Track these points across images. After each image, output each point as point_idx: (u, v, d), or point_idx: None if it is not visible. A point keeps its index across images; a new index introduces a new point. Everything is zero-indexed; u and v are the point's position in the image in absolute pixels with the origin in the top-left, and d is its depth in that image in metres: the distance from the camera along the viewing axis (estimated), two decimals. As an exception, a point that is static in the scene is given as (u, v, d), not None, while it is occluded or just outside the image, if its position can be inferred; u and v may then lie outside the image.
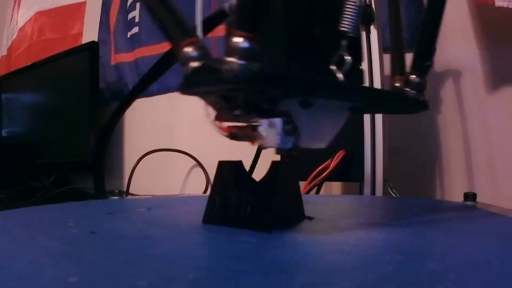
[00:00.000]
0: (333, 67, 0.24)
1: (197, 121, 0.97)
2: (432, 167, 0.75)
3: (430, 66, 0.29)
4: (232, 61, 0.19)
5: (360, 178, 0.61)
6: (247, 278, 0.17)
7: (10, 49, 1.89)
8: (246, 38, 0.19)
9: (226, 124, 0.28)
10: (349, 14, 0.24)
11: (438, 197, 0.74)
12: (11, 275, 0.17)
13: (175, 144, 1.10)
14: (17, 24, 1.83)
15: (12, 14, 1.91)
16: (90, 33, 1.48)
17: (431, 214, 0.37)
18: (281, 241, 0.24)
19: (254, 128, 0.25)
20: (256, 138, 0.25)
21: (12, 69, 1.65)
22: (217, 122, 0.27)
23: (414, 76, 0.29)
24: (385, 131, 0.62)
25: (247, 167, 0.36)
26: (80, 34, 1.52)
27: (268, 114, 0.24)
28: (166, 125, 1.19)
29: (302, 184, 0.64)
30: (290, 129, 0.24)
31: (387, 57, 0.74)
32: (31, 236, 0.26)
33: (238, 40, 0.19)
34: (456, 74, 0.73)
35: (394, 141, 0.67)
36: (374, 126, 0.61)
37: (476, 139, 0.71)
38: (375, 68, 0.61)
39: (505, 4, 0.59)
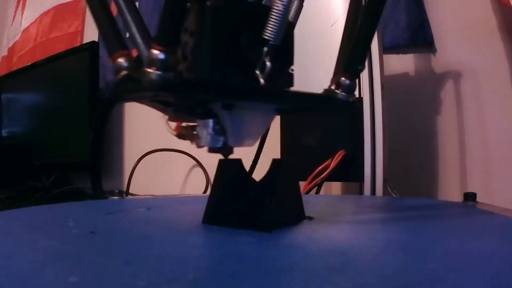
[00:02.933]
0: (257, 72, 0.26)
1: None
2: (432, 167, 0.75)
3: (361, 69, 0.30)
4: (150, 72, 0.22)
5: (360, 178, 0.61)
6: (247, 278, 0.17)
7: (11, 50, 1.89)
8: (163, 51, 0.22)
9: (175, 124, 0.31)
10: (271, 23, 0.25)
11: (438, 197, 0.74)
12: (11, 275, 0.17)
13: (175, 144, 1.10)
14: (21, 25, 1.83)
15: (15, 15, 1.91)
16: (90, 33, 1.48)
17: (431, 214, 0.37)
18: (281, 241, 0.24)
19: (194, 128, 0.28)
20: (195, 137, 0.28)
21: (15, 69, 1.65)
22: (169, 123, 0.31)
23: (344, 78, 0.29)
24: (385, 131, 0.62)
25: (247, 167, 0.36)
26: (78, 32, 1.52)
27: (206, 115, 0.27)
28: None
29: (302, 184, 0.64)
30: (220, 129, 0.27)
31: (387, 57, 0.74)
32: (31, 236, 0.26)
33: (156, 52, 0.22)
34: (455, 76, 0.74)
35: (394, 141, 0.67)
36: (374, 126, 0.61)
37: (476, 140, 0.71)
38: (375, 68, 0.61)
39: None
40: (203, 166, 1.07)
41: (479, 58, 0.71)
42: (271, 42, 0.25)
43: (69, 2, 1.57)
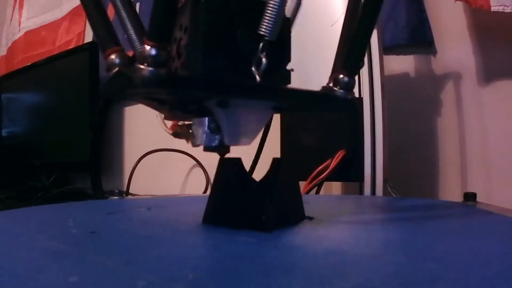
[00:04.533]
0: (253, 69, 0.26)
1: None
2: (432, 167, 0.75)
3: (361, 66, 0.30)
4: (141, 68, 0.21)
5: (360, 178, 0.61)
6: (247, 278, 0.17)
7: (11, 50, 1.89)
8: (154, 47, 0.21)
9: (171, 123, 0.30)
10: (267, 18, 0.25)
11: (438, 197, 0.74)
12: (11, 275, 0.17)
13: (175, 144, 1.10)
14: (19, 25, 1.82)
15: (12, 15, 1.91)
16: (90, 33, 1.48)
17: (431, 214, 0.37)
18: (281, 241, 0.24)
19: (189, 127, 0.28)
20: (190, 136, 0.27)
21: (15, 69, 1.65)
22: (165, 121, 0.30)
23: (342, 75, 0.29)
24: (385, 131, 0.62)
25: (247, 166, 0.36)
26: (81, 33, 1.52)
27: (201, 113, 0.26)
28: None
29: (302, 184, 0.64)
30: (215, 127, 0.26)
31: (387, 57, 0.74)
32: (31, 236, 0.26)
33: (147, 48, 0.21)
34: (455, 77, 0.74)
35: (394, 141, 0.67)
36: (374, 126, 0.61)
37: (476, 140, 0.71)
38: (375, 68, 0.61)
39: (500, 9, 0.59)
40: (203, 166, 1.07)
41: (479, 58, 0.71)
42: (267, 38, 0.25)
43: (80, 5, 1.57)
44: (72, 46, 1.50)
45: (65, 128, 1.29)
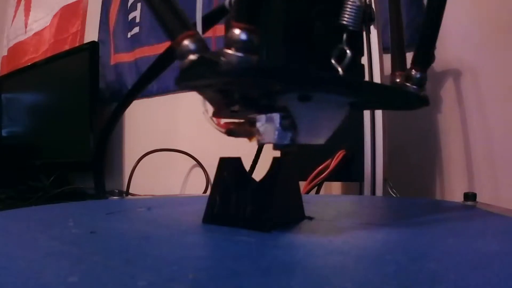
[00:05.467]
0: (333, 61, 0.24)
1: (197, 121, 0.97)
2: (432, 167, 0.75)
3: (432, 61, 0.29)
4: (230, 53, 0.19)
5: (360, 178, 0.61)
6: (247, 278, 0.17)
7: (13, 50, 1.89)
8: (244, 30, 0.19)
9: (224, 120, 0.28)
10: (350, 8, 0.24)
11: (438, 197, 0.74)
12: (11, 275, 0.17)
13: (175, 144, 1.10)
14: (26, 26, 1.83)
15: (15, 15, 1.91)
16: (90, 33, 1.48)
17: (431, 214, 0.37)
18: (281, 241, 0.24)
19: (252, 124, 0.25)
20: (254, 134, 0.25)
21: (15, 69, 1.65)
22: (215, 119, 0.27)
23: (414, 71, 0.28)
24: (385, 130, 0.62)
25: (247, 166, 0.36)
26: (78, 32, 1.52)
27: (266, 109, 0.24)
28: (166, 125, 1.19)
29: (302, 184, 0.64)
30: (288, 124, 0.24)
31: (387, 57, 0.74)
32: (31, 236, 0.26)
33: (236, 32, 0.19)
34: (456, 74, 0.73)
35: (394, 141, 0.67)
36: (374, 126, 0.61)
37: (476, 139, 0.71)
38: (375, 68, 0.61)
39: None
40: (203, 166, 1.07)
41: (479, 57, 0.71)
42: (350, 28, 0.23)
43: (73, 2, 1.58)
44: (67, 45, 1.51)
45: (65, 128, 1.29)
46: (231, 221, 0.28)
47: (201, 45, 0.22)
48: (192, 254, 0.22)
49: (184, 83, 0.22)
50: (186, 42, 0.21)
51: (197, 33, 0.22)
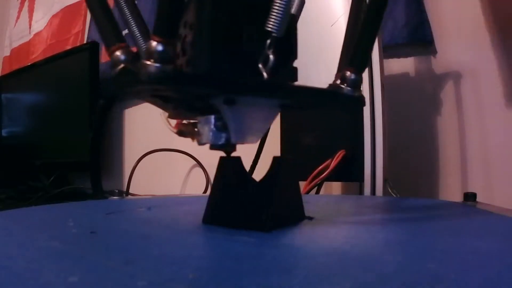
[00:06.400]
0: (260, 66, 0.25)
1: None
2: (432, 167, 0.75)
3: (368, 63, 0.29)
4: (148, 64, 0.21)
5: (360, 178, 0.61)
6: (247, 278, 0.17)
7: (17, 51, 1.89)
8: (161, 43, 0.21)
9: (176, 122, 0.30)
10: (274, 14, 0.25)
11: (438, 197, 0.74)
12: (11, 275, 0.17)
13: (175, 144, 1.10)
14: (30, 27, 1.83)
15: (19, 16, 1.91)
16: (91, 33, 1.48)
17: (431, 214, 0.37)
18: (281, 241, 0.24)
19: (195, 125, 0.27)
20: (196, 134, 0.27)
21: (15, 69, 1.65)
22: (169, 120, 0.30)
23: (349, 72, 0.29)
24: (385, 131, 0.62)
25: (247, 166, 0.36)
26: (79, 32, 1.52)
27: (208, 111, 0.26)
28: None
29: (302, 184, 0.64)
30: (222, 126, 0.26)
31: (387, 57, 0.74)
32: (31, 236, 0.26)
33: (154, 44, 0.21)
34: (455, 76, 0.74)
35: (394, 141, 0.67)
36: (374, 126, 0.61)
37: (476, 140, 0.71)
38: (375, 68, 0.61)
39: None
40: (203, 166, 1.07)
41: (479, 58, 0.71)
42: (274, 34, 0.25)
43: (75, 3, 1.58)
44: (69, 46, 1.51)
45: (65, 128, 1.29)
46: (231, 221, 0.28)
47: (130, 57, 0.24)
48: (192, 254, 0.22)
49: (111, 91, 0.24)
50: (118, 53, 0.24)
51: (127, 45, 0.25)
